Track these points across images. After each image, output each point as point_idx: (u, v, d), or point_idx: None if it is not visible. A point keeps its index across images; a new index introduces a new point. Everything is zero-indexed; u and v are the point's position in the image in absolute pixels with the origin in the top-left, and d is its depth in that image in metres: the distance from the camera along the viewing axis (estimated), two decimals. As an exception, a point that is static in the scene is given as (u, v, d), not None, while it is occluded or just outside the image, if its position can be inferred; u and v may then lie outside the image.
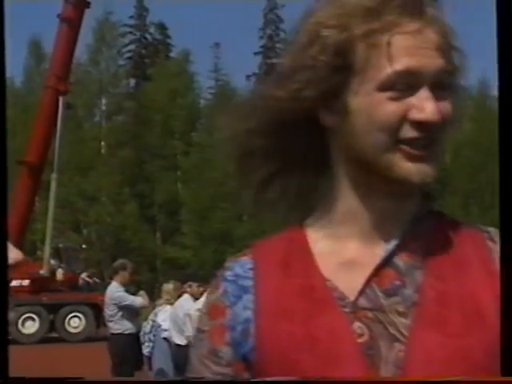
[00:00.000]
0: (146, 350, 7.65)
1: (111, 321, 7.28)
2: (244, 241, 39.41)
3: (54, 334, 18.55)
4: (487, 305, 0.82)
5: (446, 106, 0.83)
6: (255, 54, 51.67)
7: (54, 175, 20.12)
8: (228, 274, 0.91)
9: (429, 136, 0.82)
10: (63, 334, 18.43)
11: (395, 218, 0.86)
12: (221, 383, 0.89)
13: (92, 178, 36.98)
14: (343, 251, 0.87)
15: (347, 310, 0.83)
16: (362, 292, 0.84)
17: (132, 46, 50.79)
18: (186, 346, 6.59)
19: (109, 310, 7.30)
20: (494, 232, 0.89)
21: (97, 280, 21.33)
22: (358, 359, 0.81)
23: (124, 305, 7.15)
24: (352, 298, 0.84)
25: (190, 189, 40.91)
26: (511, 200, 0.85)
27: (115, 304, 7.19)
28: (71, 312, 18.51)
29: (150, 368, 7.74)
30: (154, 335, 7.61)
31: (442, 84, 0.83)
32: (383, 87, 0.82)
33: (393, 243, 0.85)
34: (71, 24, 19.27)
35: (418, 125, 0.81)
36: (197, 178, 40.59)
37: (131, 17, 49.64)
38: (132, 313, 7.29)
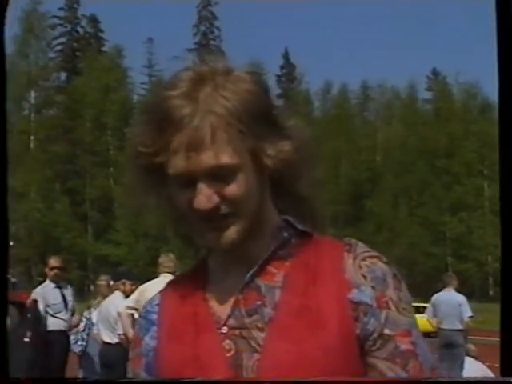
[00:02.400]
0: (77, 349, 7.51)
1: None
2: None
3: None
4: (330, 313, 0.96)
5: (229, 189, 0.96)
6: (189, 50, 51.48)
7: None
8: (142, 311, 1.11)
9: (221, 212, 0.97)
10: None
11: (257, 249, 1.02)
12: (220, 383, 0.98)
13: (20, 174, 35.90)
14: (225, 279, 1.04)
15: (220, 330, 1.00)
16: (230, 314, 1.00)
17: (63, 39, 49.66)
18: (116, 345, 6.50)
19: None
20: (354, 243, 1.02)
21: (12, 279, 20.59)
22: (227, 370, 0.98)
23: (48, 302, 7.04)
24: (224, 320, 1.01)
25: (123, 184, 40.27)
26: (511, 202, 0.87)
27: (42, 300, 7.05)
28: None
29: (81, 366, 7.59)
30: (88, 334, 7.47)
31: (220, 174, 0.95)
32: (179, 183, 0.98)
33: (253, 270, 1.01)
34: None
35: (199, 211, 0.96)
36: (130, 174, 40.00)
37: (61, 8, 48.56)
38: (56, 311, 7.14)
